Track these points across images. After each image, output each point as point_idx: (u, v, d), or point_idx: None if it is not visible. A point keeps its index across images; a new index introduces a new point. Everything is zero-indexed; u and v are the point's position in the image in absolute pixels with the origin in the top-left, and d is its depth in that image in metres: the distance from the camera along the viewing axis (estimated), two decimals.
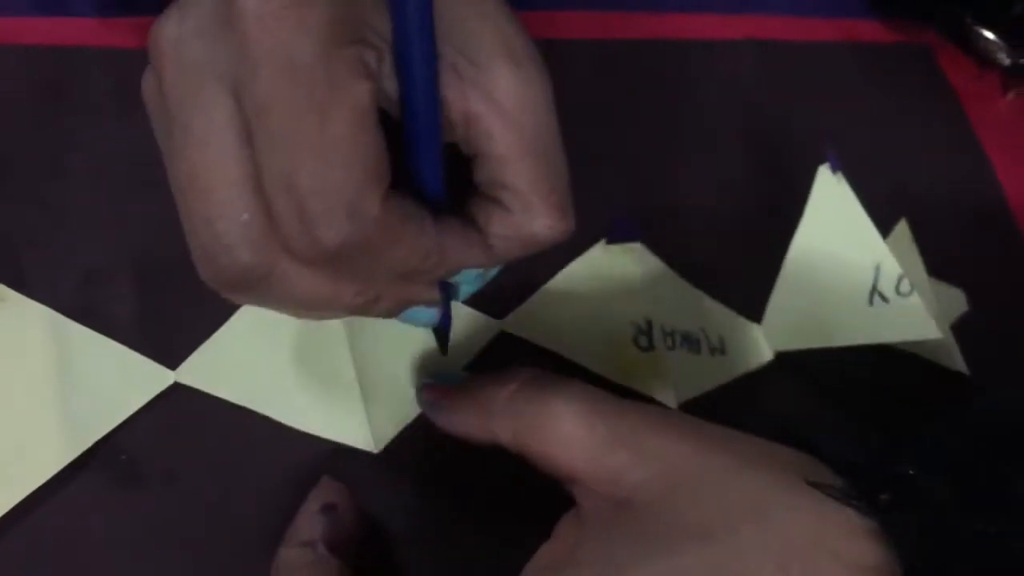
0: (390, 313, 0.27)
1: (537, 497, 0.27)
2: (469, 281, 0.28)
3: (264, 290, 0.24)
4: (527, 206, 0.25)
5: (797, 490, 0.24)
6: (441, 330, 0.30)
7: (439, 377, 0.31)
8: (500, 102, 0.24)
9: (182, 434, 0.30)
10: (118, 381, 0.30)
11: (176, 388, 0.30)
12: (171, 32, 0.23)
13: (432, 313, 0.28)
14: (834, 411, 0.36)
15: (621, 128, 0.40)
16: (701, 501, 0.24)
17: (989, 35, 0.47)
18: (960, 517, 0.24)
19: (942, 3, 0.47)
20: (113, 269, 0.32)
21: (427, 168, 0.25)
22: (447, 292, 0.28)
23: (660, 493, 0.25)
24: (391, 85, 0.23)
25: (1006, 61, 0.47)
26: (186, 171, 0.23)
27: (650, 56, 0.43)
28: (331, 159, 0.22)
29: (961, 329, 0.38)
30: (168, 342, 0.31)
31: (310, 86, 0.21)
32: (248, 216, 0.23)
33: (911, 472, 0.25)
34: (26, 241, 0.32)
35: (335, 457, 0.31)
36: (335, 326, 0.31)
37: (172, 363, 0.30)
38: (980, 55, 0.47)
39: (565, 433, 0.26)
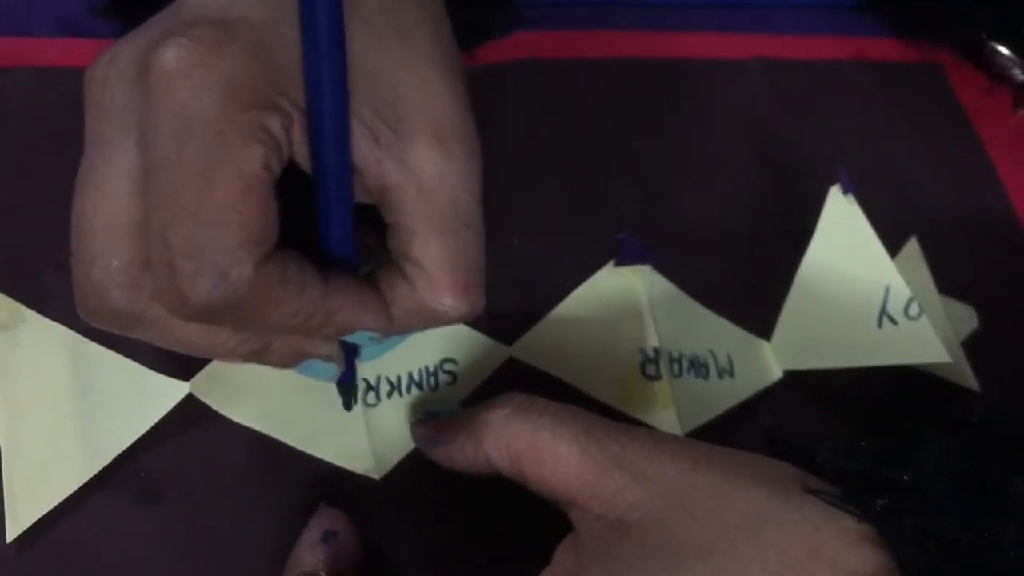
0: (284, 363, 0.27)
1: (535, 523, 0.27)
2: (369, 345, 0.28)
3: (140, 332, 0.25)
4: (430, 282, 0.25)
5: (793, 502, 0.25)
6: (344, 386, 0.30)
7: (433, 412, 0.31)
8: (415, 175, 0.24)
9: (197, 453, 0.31)
10: (135, 398, 0.30)
11: (192, 409, 0.31)
12: (99, 74, 0.24)
13: (330, 368, 0.28)
14: (843, 428, 0.36)
15: (629, 148, 0.41)
16: (697, 519, 0.25)
17: (1004, 51, 0.47)
18: (957, 522, 0.24)
19: (957, 19, 0.47)
20: None
21: (334, 231, 0.25)
22: (351, 349, 0.28)
23: (656, 513, 0.25)
24: (305, 150, 0.24)
25: (1021, 77, 0.47)
26: (78, 209, 0.24)
27: (659, 76, 0.43)
28: (209, 222, 0.22)
29: (972, 346, 0.38)
30: (183, 360, 0.31)
31: (201, 147, 0.22)
32: (119, 263, 0.24)
33: (906, 478, 0.25)
34: (46, 263, 0.32)
35: (336, 482, 0.31)
36: None
37: (187, 379, 0.31)
38: (994, 71, 0.47)
39: (560, 456, 0.26)
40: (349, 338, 0.27)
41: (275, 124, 0.23)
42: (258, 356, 0.26)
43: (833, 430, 0.36)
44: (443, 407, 0.31)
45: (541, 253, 0.37)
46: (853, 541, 0.23)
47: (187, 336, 0.25)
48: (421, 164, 0.24)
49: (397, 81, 0.24)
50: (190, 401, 0.31)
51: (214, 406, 0.31)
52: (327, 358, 0.27)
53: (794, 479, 0.25)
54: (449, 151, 0.25)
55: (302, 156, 0.24)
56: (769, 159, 0.42)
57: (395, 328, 0.26)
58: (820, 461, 0.26)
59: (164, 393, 0.30)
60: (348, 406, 0.31)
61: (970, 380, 0.36)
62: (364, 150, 0.24)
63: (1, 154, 0.35)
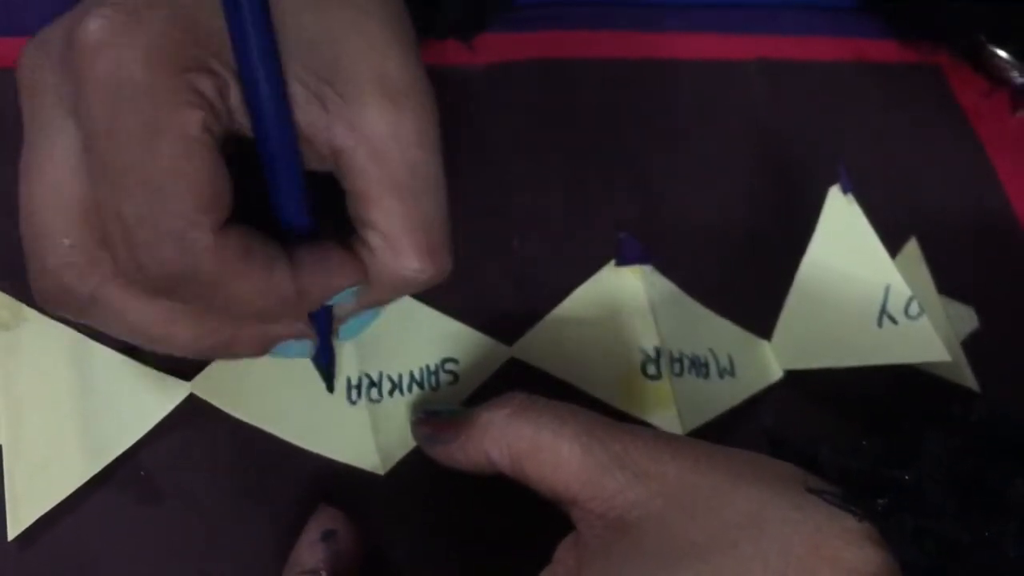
0: (255, 352, 0.26)
1: (536, 522, 0.27)
2: (347, 300, 0.27)
3: (93, 316, 0.24)
4: (392, 248, 0.25)
5: (794, 501, 0.24)
6: (321, 364, 0.30)
7: (434, 411, 0.31)
8: (366, 137, 0.23)
9: (198, 453, 0.31)
10: (137, 398, 0.30)
11: (193, 408, 0.31)
12: (30, 58, 0.24)
13: (304, 346, 0.27)
14: (843, 428, 0.36)
15: (629, 148, 0.41)
16: (698, 518, 0.25)
17: (1003, 54, 0.47)
18: (957, 522, 0.24)
19: (956, 22, 0.47)
20: None
21: (285, 201, 0.24)
22: (324, 324, 0.27)
23: (657, 512, 0.25)
24: (244, 116, 0.23)
25: (1019, 79, 0.47)
26: (24, 193, 0.24)
27: (659, 76, 0.43)
28: (156, 187, 0.21)
29: (971, 346, 0.38)
30: (184, 360, 0.31)
31: (135, 113, 0.21)
32: (70, 241, 0.23)
33: (907, 478, 0.25)
34: None
35: (336, 481, 0.31)
36: (347, 348, 0.32)
37: (188, 379, 0.31)
38: (993, 74, 0.47)
39: (561, 455, 0.26)
40: (334, 300, 0.26)
41: (207, 86, 0.22)
42: (225, 349, 0.26)
43: (833, 429, 0.36)
44: (444, 406, 0.31)
45: (542, 253, 0.37)
46: (854, 540, 0.23)
47: (144, 324, 0.25)
48: (371, 125, 0.23)
49: (341, 43, 0.23)
50: (191, 400, 0.31)
51: (217, 405, 0.31)
52: (299, 336, 0.27)
53: (795, 478, 0.25)
54: (400, 109, 0.24)
55: (246, 125, 0.23)
56: (769, 159, 0.42)
57: (366, 300, 0.26)
58: (821, 461, 0.26)
59: (166, 393, 0.30)
60: (330, 386, 0.30)
61: (970, 380, 0.36)
62: (310, 115, 0.23)
63: (3, 152, 0.35)
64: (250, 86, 0.22)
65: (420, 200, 0.24)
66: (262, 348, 0.26)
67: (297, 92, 0.23)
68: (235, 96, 0.23)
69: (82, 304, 0.24)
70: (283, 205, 0.24)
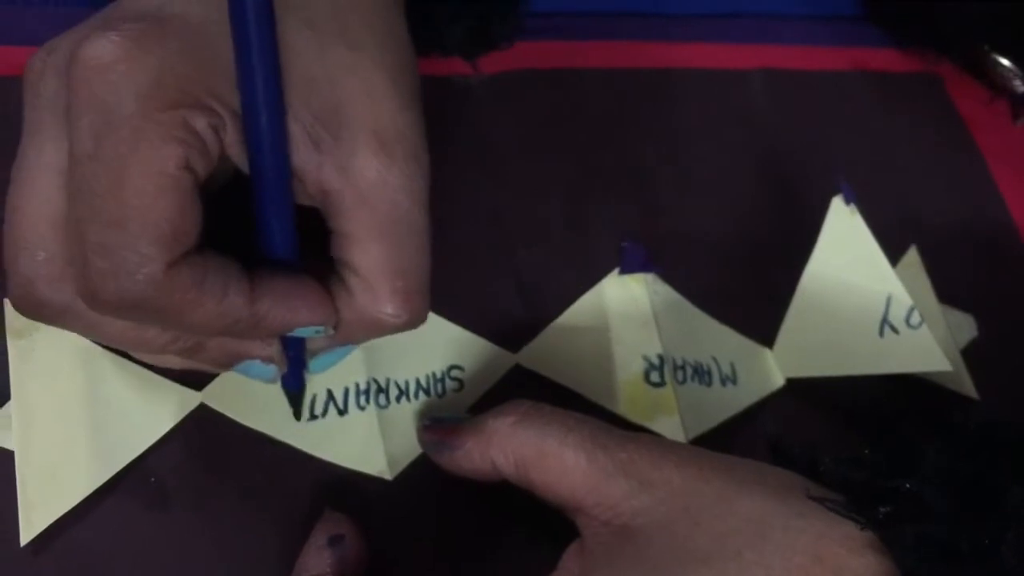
0: (219, 365, 0.27)
1: (542, 528, 0.27)
2: (319, 359, 0.27)
3: (67, 325, 0.25)
4: (370, 291, 0.25)
5: (796, 508, 0.25)
6: (289, 391, 0.30)
7: (440, 418, 0.31)
8: (355, 181, 0.24)
9: (208, 459, 0.31)
10: (147, 405, 0.31)
11: (203, 414, 0.31)
12: (37, 64, 0.24)
13: (269, 370, 0.27)
14: (845, 436, 0.36)
15: (633, 157, 0.41)
16: (702, 526, 0.25)
17: (1005, 62, 0.47)
18: (957, 529, 0.24)
19: (957, 30, 0.48)
20: None
21: (272, 234, 0.25)
22: (297, 352, 0.28)
23: (661, 520, 0.25)
24: (241, 152, 0.23)
25: (1021, 88, 0.47)
26: (11, 199, 0.24)
27: (662, 86, 0.43)
28: (119, 219, 0.22)
29: (971, 354, 0.38)
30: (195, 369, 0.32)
31: (117, 143, 0.21)
32: (45, 255, 0.23)
33: (908, 486, 0.25)
34: None
35: (343, 487, 0.31)
36: (356, 354, 0.32)
37: (199, 388, 0.31)
38: (995, 82, 0.48)
39: (566, 463, 0.26)
40: (300, 332, 0.26)
41: (201, 123, 0.22)
42: (191, 355, 0.26)
43: (835, 437, 0.36)
44: (450, 414, 0.32)
45: (546, 261, 0.37)
46: (856, 548, 0.24)
47: (115, 333, 0.25)
48: (361, 170, 0.24)
49: (340, 86, 0.24)
50: (201, 408, 0.31)
51: (227, 414, 0.31)
52: (266, 360, 0.27)
53: (798, 487, 0.26)
54: (390, 156, 0.24)
55: (240, 158, 0.24)
56: (771, 168, 0.42)
57: (339, 337, 0.26)
58: (823, 470, 0.27)
59: (176, 402, 0.31)
60: (297, 414, 0.30)
61: (969, 388, 0.37)
62: (303, 154, 0.24)
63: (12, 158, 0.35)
64: (251, 120, 0.23)
65: (402, 246, 0.25)
66: (227, 362, 0.27)
67: (294, 130, 0.23)
68: (231, 134, 0.23)
69: (54, 313, 0.24)
70: (269, 237, 0.25)
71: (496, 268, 0.37)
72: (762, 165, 0.42)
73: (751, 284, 0.39)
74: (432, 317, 0.34)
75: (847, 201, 0.35)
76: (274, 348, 0.27)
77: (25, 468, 0.29)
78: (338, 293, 0.25)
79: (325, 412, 0.32)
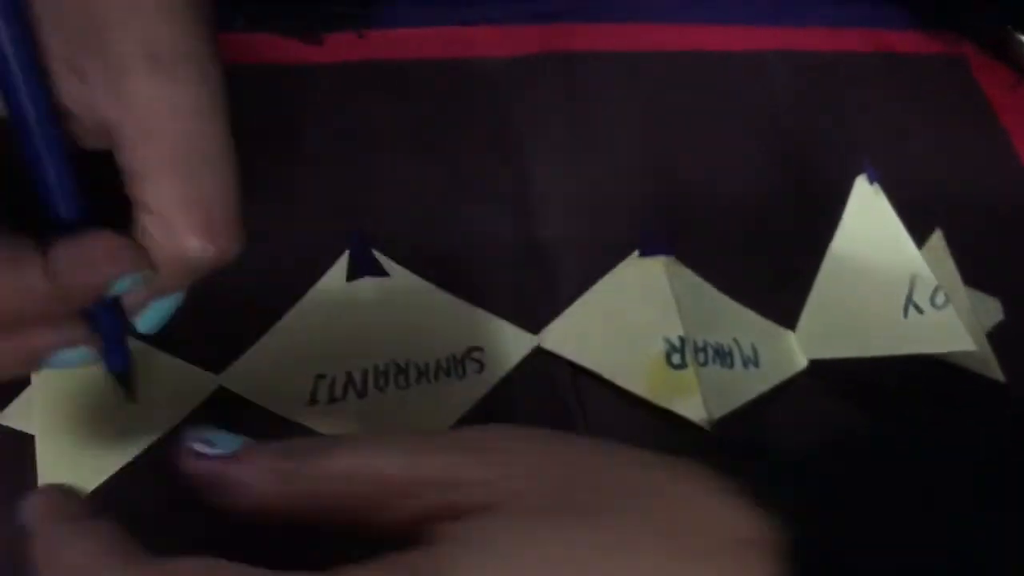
0: (19, 368, 0.23)
1: None
2: (146, 315, 0.24)
3: None
4: (167, 227, 0.22)
5: (677, 471, 0.23)
6: (117, 372, 0.26)
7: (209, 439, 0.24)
8: (133, 108, 0.21)
9: None
10: (167, 390, 0.31)
11: (222, 399, 0.31)
12: None
13: (79, 353, 0.23)
14: (868, 418, 0.36)
15: (651, 140, 0.41)
16: (575, 489, 0.22)
17: None
18: (828, 484, 0.23)
19: (981, 12, 0.47)
20: None
21: (52, 190, 0.22)
22: (109, 323, 0.24)
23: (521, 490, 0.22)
24: None
25: None
26: None
27: (681, 68, 0.43)
28: None
29: (997, 337, 0.38)
30: (213, 352, 0.32)
31: None
32: None
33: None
34: None
35: None
36: (375, 335, 0.32)
37: (218, 372, 0.31)
38: (1019, 64, 0.47)
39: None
40: (117, 289, 0.22)
41: None
42: None
43: (858, 419, 0.36)
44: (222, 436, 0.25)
45: (566, 243, 0.37)
46: (738, 506, 0.22)
47: None
48: (135, 95, 0.21)
49: (97, 4, 0.21)
50: (220, 391, 0.31)
51: (247, 395, 0.31)
52: (71, 343, 0.23)
53: (674, 460, 0.23)
54: (171, 76, 0.21)
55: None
56: (793, 150, 0.42)
57: (153, 287, 0.23)
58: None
59: (195, 385, 0.31)
60: (132, 395, 0.27)
61: (996, 371, 0.36)
62: (68, 88, 0.21)
63: None
64: None
65: (198, 175, 0.22)
66: (28, 362, 0.23)
67: (51, 63, 0.21)
68: None
69: None
70: (50, 195, 0.22)
71: (516, 249, 0.37)
72: (784, 147, 0.42)
73: (773, 266, 0.38)
74: (452, 299, 0.34)
75: (871, 180, 0.35)
76: (77, 328, 0.23)
77: (44, 452, 0.29)
78: (141, 238, 0.22)
79: (344, 394, 0.32)
